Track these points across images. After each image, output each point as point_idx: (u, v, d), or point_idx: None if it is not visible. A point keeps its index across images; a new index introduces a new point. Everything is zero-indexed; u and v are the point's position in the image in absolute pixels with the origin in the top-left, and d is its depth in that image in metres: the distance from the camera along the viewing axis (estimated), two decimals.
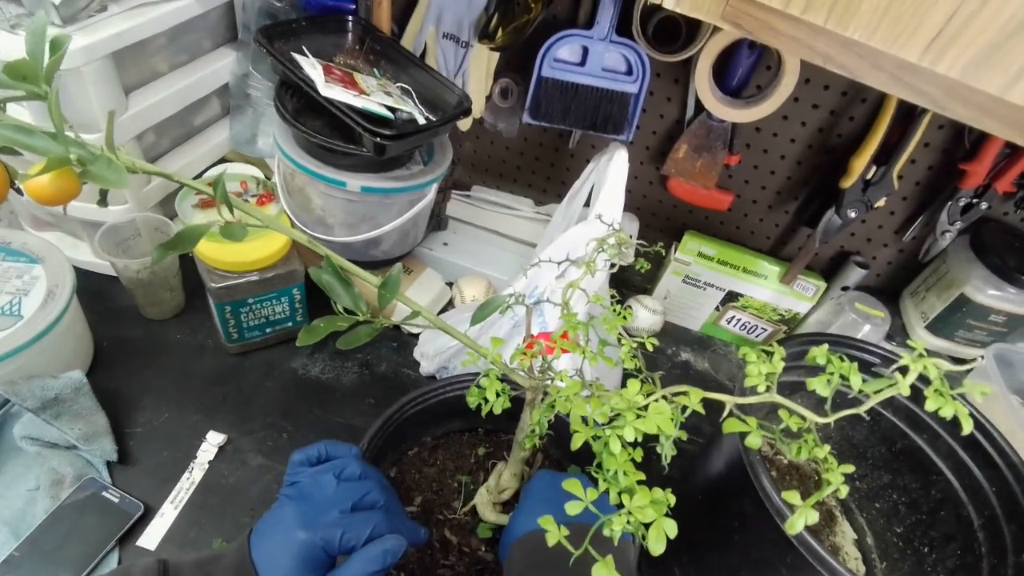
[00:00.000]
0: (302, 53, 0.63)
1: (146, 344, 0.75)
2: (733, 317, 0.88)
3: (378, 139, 0.57)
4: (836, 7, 0.39)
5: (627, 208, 0.91)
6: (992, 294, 0.70)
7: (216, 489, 0.64)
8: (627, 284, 0.93)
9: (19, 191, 0.37)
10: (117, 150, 0.33)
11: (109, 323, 0.75)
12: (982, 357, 0.71)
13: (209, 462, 0.66)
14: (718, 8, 0.43)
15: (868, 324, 0.74)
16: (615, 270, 0.82)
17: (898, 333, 0.80)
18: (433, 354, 0.75)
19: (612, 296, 0.62)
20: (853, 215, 0.70)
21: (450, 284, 0.86)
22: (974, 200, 0.69)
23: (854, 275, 0.80)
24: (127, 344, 0.74)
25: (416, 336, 0.81)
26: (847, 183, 0.69)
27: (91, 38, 0.60)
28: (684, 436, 0.41)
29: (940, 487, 0.58)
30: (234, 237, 0.36)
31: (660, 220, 0.90)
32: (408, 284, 0.81)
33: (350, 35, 0.71)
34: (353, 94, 0.60)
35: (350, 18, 0.70)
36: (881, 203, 0.70)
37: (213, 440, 0.67)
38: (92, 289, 0.76)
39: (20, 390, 0.60)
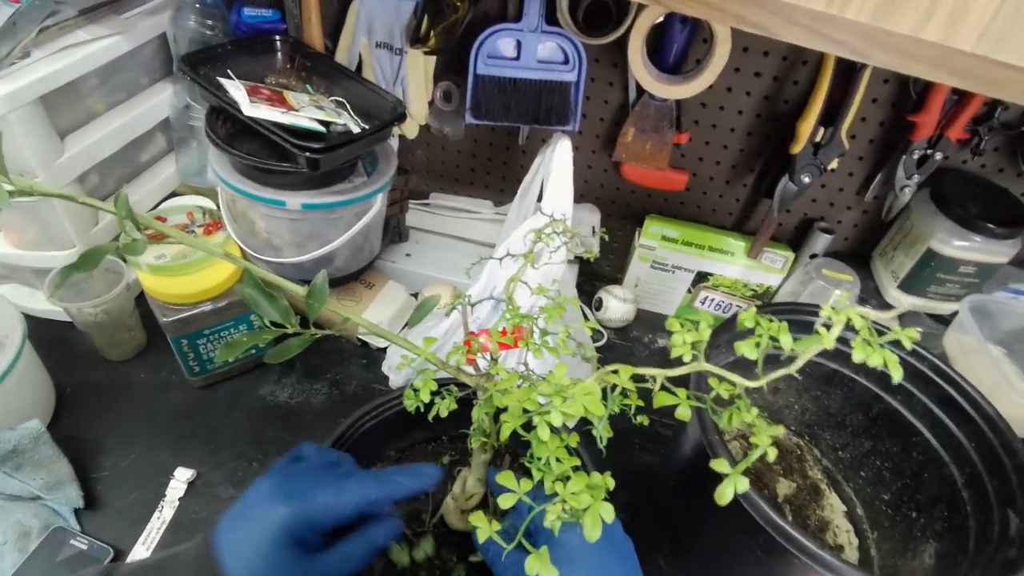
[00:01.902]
0: (227, 76, 0.62)
1: (109, 386, 0.74)
2: (706, 297, 0.86)
3: (308, 153, 0.57)
4: None
5: (587, 199, 0.90)
6: (958, 244, 0.69)
7: (188, 525, 0.63)
8: (597, 276, 0.92)
9: None
10: (23, 175, 0.32)
11: (70, 368, 0.74)
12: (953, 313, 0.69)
13: (179, 499, 0.64)
14: None
15: (837, 289, 0.73)
16: (573, 261, 0.81)
17: (872, 296, 0.78)
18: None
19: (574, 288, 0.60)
20: (807, 180, 0.69)
21: (416, 295, 0.85)
22: (928, 151, 0.67)
23: (821, 242, 0.79)
24: (90, 388, 0.73)
25: (384, 350, 0.79)
26: (796, 148, 0.67)
27: (14, 85, 0.59)
28: (646, 421, 0.40)
29: (920, 448, 0.56)
30: (135, 252, 0.36)
31: (620, 207, 0.89)
32: (371, 298, 0.80)
33: (279, 54, 0.70)
34: (281, 111, 0.59)
35: (278, 38, 0.70)
36: (834, 164, 0.68)
37: (181, 476, 0.66)
38: (51, 336, 0.75)
39: None
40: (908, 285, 0.74)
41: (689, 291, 0.86)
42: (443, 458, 0.60)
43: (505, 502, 0.33)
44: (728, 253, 0.81)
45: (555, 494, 0.33)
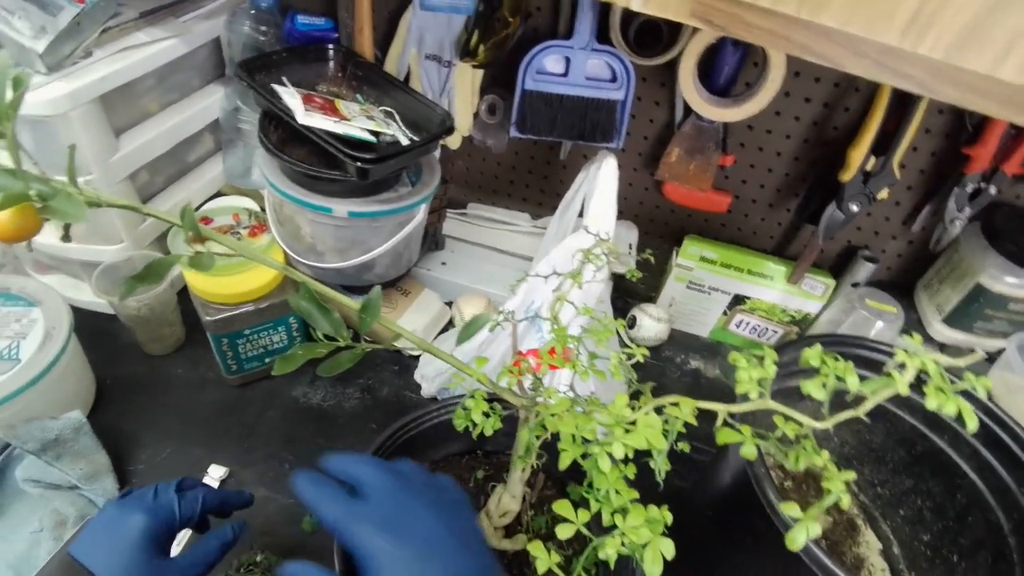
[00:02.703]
0: (282, 83, 0.63)
1: (148, 380, 0.75)
2: (742, 321, 0.85)
3: (359, 163, 0.57)
4: None
5: (625, 216, 0.90)
6: (1009, 282, 0.67)
7: (218, 523, 0.63)
8: (631, 293, 0.91)
9: None
10: (79, 184, 0.33)
11: (111, 361, 0.75)
12: (985, 355, 0.68)
13: None
14: (686, 6, 0.41)
15: (880, 320, 0.72)
16: (611, 280, 0.81)
17: (914, 327, 0.76)
18: (434, 375, 0.74)
19: (616, 306, 0.60)
20: (855, 209, 0.68)
21: (450, 304, 0.85)
22: (982, 185, 0.66)
23: (864, 270, 0.77)
24: (129, 381, 0.74)
25: (417, 358, 0.80)
26: (846, 176, 0.66)
27: (76, 84, 0.61)
28: (687, 448, 0.40)
29: (966, 490, 0.55)
30: (202, 268, 0.36)
31: (659, 226, 0.89)
32: (406, 306, 0.81)
33: (332, 63, 0.71)
34: (333, 120, 0.60)
35: (331, 47, 0.71)
36: (884, 194, 0.67)
37: (215, 473, 0.66)
38: (94, 328, 0.77)
39: (20, 433, 0.60)
40: (954, 319, 0.73)
41: (725, 313, 0.85)
42: (477, 472, 0.60)
43: (563, 532, 0.33)
44: (767, 277, 0.80)
45: (614, 526, 0.33)
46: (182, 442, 0.69)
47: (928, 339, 0.76)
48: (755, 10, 0.40)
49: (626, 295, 0.91)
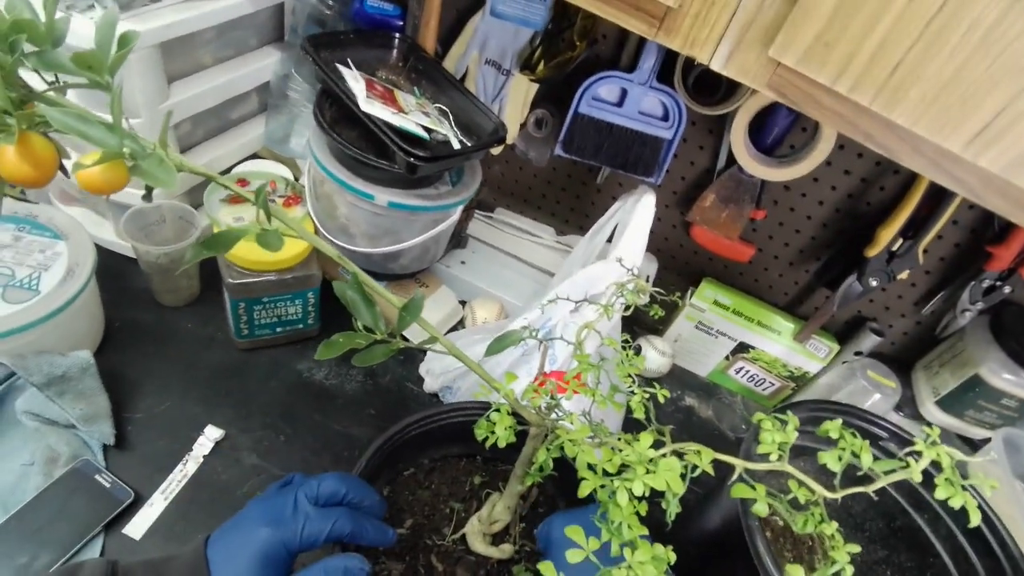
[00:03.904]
0: (346, 65, 0.64)
1: (156, 330, 0.75)
2: (742, 368, 0.87)
3: (412, 159, 0.58)
4: (884, 90, 0.39)
5: (648, 249, 0.91)
6: (1007, 378, 0.70)
7: (208, 484, 0.64)
8: (639, 323, 0.93)
9: (66, 173, 0.37)
10: (168, 148, 0.34)
11: (122, 304, 0.75)
12: (987, 441, 0.70)
13: (204, 456, 0.65)
14: (765, 76, 0.43)
15: (878, 393, 0.74)
16: (628, 312, 0.82)
17: (907, 405, 0.79)
18: (439, 372, 0.75)
19: (626, 342, 0.61)
20: (875, 284, 0.70)
21: (463, 303, 0.86)
22: (998, 283, 0.69)
23: (868, 341, 0.80)
24: (138, 328, 0.74)
25: (424, 351, 0.81)
26: (872, 252, 0.69)
27: (142, 26, 0.61)
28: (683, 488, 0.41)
29: (936, 570, 0.57)
30: (270, 247, 0.37)
31: (679, 264, 0.90)
32: None
33: (395, 52, 0.72)
34: (392, 111, 0.61)
35: (397, 35, 0.71)
36: (904, 275, 0.70)
37: (211, 435, 0.67)
38: (110, 269, 0.77)
39: (28, 364, 0.60)
40: (947, 404, 0.75)
41: (727, 358, 0.87)
42: (474, 477, 0.61)
43: (573, 557, 0.34)
44: (775, 331, 0.82)
45: (621, 557, 0.34)
46: (182, 398, 0.69)
47: (919, 418, 0.78)
48: (831, 94, 0.41)
49: (634, 324, 0.92)
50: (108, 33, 0.33)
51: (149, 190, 0.33)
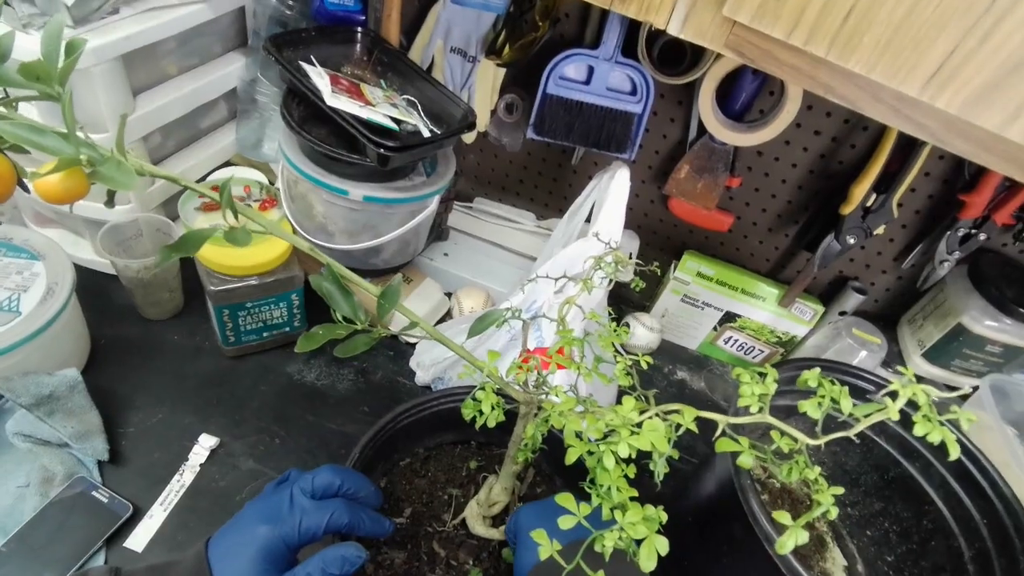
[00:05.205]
0: (310, 62, 0.64)
1: (143, 344, 0.75)
2: (730, 338, 0.88)
3: (382, 150, 0.58)
4: (838, 40, 0.39)
5: (628, 226, 0.92)
6: (989, 325, 0.71)
7: (206, 492, 0.64)
8: (625, 301, 0.93)
9: (26, 188, 0.37)
10: (127, 152, 0.33)
11: (107, 321, 0.75)
12: (975, 388, 0.71)
13: (200, 465, 0.65)
14: (722, 36, 0.43)
15: (864, 350, 0.75)
16: (611, 287, 0.83)
17: (894, 360, 0.80)
18: (429, 364, 0.75)
19: (609, 313, 0.62)
20: (852, 241, 0.71)
21: (449, 294, 0.86)
22: (973, 231, 0.69)
23: (852, 300, 0.80)
24: (124, 343, 0.74)
25: (413, 345, 0.81)
26: (847, 209, 0.69)
27: (102, 40, 0.60)
28: (676, 455, 0.42)
29: (931, 517, 0.58)
30: (238, 242, 0.37)
31: (660, 239, 0.91)
32: (407, 293, 0.82)
33: (359, 46, 0.71)
34: (359, 104, 0.61)
35: (359, 30, 0.71)
36: (880, 230, 0.70)
37: (205, 443, 0.67)
38: (91, 287, 0.76)
39: (15, 386, 0.60)
40: (933, 355, 0.76)
41: (715, 329, 0.87)
42: (470, 462, 0.61)
43: (565, 523, 0.35)
44: (760, 298, 0.83)
45: (612, 520, 0.35)
46: (174, 409, 0.69)
47: None
48: (787, 48, 0.42)
49: (620, 302, 0.93)
50: (55, 43, 0.33)
51: (111, 195, 0.33)
